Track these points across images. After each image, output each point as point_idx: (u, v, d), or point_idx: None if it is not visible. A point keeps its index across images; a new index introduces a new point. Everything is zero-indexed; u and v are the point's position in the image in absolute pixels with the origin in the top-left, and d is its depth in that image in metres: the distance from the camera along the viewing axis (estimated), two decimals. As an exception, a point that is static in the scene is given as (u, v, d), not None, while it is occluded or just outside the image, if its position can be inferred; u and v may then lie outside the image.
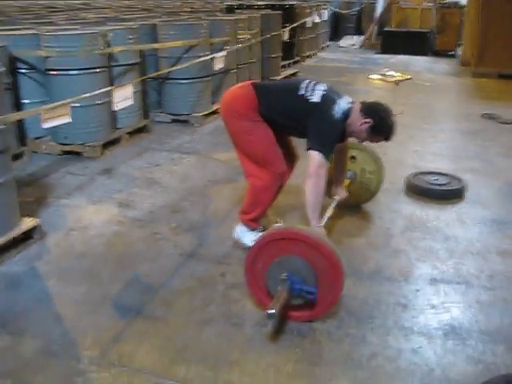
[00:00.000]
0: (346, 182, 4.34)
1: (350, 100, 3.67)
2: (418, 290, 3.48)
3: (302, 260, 2.96)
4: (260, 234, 3.62)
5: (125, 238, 4.15)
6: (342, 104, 3.57)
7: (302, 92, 3.60)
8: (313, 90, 3.60)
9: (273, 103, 3.67)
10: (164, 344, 2.92)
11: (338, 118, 3.50)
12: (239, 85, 3.91)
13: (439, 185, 5.06)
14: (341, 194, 4.18)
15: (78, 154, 5.98)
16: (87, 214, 4.56)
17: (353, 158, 4.45)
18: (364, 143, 3.89)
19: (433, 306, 3.30)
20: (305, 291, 2.96)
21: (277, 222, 4.11)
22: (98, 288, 3.47)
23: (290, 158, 3.95)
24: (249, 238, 3.85)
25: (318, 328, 3.06)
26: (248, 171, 3.79)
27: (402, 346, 2.93)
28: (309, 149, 3.47)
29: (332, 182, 4.20)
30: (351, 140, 3.99)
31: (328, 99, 3.56)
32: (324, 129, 3.48)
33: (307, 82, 3.68)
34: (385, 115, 3.62)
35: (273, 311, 2.76)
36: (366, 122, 3.55)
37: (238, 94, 3.76)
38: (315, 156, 3.42)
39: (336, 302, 3.11)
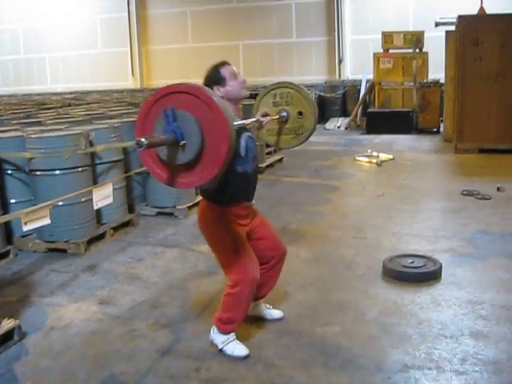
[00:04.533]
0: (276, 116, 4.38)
1: None
2: (389, 378, 3.52)
3: (186, 112, 2.98)
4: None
5: (103, 336, 4.20)
6: None
7: None
8: None
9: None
10: None
11: None
12: None
13: (415, 267, 5.15)
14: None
15: (63, 251, 6.09)
16: (68, 313, 4.62)
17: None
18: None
19: (403, 394, 3.34)
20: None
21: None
22: (73, 389, 3.51)
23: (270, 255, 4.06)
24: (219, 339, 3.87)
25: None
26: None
27: None
28: None
29: None
30: None
31: None
32: None
33: None
34: (206, 74, 3.75)
35: (143, 140, 2.78)
36: (217, 90, 3.68)
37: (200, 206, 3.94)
38: None
39: (223, 159, 2.99)
